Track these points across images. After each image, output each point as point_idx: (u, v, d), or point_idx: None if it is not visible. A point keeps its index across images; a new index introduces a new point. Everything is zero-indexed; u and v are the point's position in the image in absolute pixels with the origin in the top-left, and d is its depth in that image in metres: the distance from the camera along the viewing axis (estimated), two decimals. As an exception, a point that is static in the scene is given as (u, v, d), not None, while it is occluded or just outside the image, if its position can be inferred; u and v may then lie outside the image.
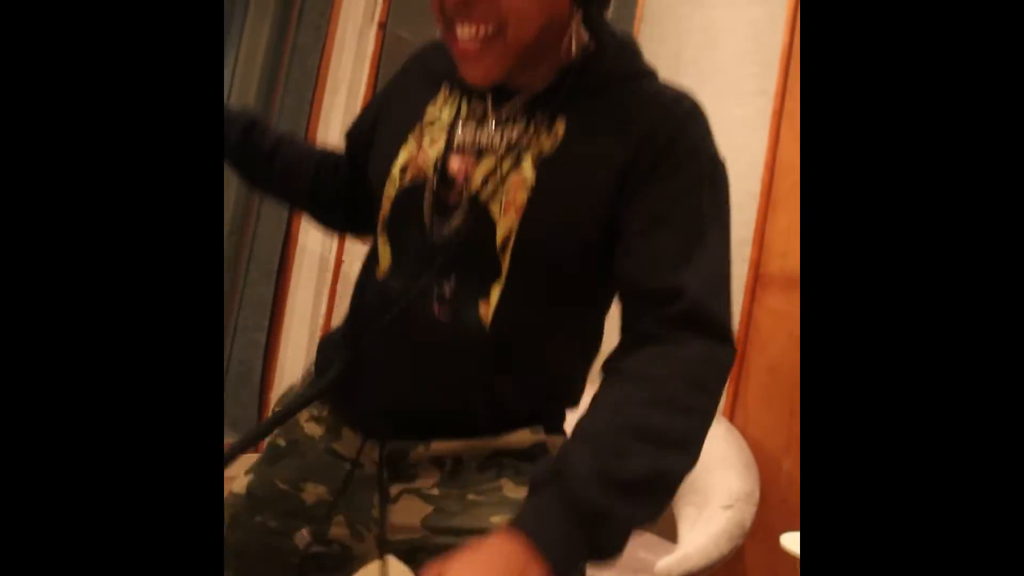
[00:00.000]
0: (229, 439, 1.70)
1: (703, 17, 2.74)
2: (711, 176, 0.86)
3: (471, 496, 0.87)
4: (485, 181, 0.86)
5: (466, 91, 0.91)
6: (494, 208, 0.84)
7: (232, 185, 1.99)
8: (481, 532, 0.77)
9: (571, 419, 0.90)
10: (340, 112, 1.95)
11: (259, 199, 1.97)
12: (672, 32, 2.72)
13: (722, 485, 2.21)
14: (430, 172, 0.88)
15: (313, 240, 1.94)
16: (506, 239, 0.84)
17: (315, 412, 0.97)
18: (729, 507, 2.14)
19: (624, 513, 0.73)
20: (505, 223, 0.84)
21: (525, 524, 0.72)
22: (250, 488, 0.98)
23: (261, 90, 2.02)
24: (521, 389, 0.88)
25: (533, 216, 0.83)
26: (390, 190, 0.90)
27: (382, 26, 2.03)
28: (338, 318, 1.98)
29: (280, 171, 1.05)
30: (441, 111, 0.92)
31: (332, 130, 1.95)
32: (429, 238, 0.87)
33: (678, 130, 0.83)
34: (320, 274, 1.96)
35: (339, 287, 1.97)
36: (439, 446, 0.88)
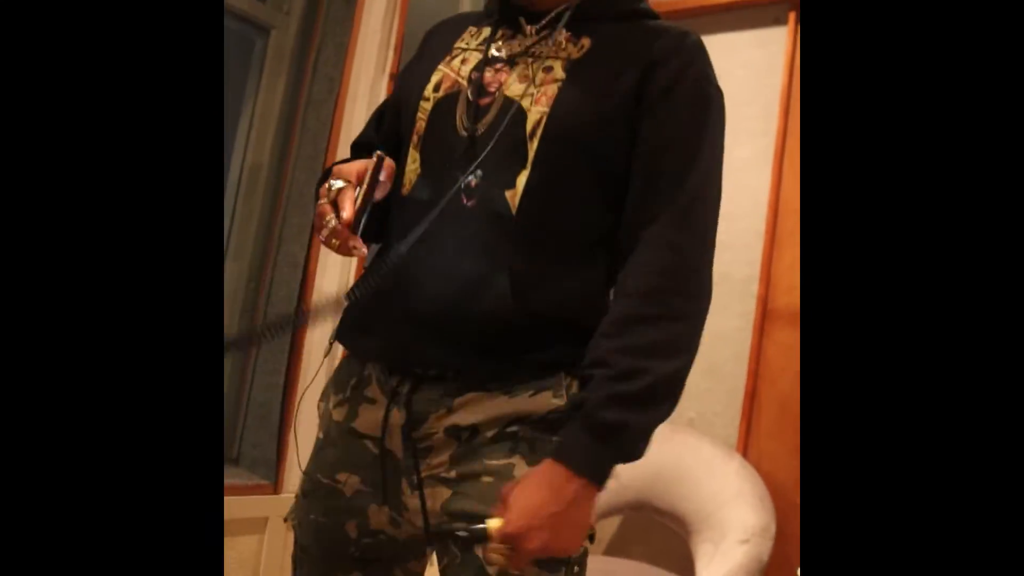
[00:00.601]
0: (249, 481, 1.72)
1: (704, 62, 2.82)
2: (716, 100, 0.99)
3: (484, 478, 0.92)
4: (518, 80, 0.96)
5: (495, 20, 1.03)
6: (525, 102, 0.95)
7: (251, 230, 2.05)
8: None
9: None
10: (354, 160, 2.03)
11: (276, 244, 2.02)
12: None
13: (737, 520, 2.21)
14: (464, 82, 0.99)
15: (329, 282, 1.99)
16: (536, 126, 0.93)
17: (341, 396, 1.01)
18: (745, 542, 2.15)
19: (639, 422, 0.88)
20: (536, 112, 0.94)
21: (560, 455, 0.88)
22: (303, 487, 1.03)
23: (277, 140, 2.10)
24: (547, 282, 0.94)
25: (562, 104, 0.93)
26: (425, 105, 1.00)
27: (393, 77, 2.10)
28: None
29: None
30: (470, 41, 1.04)
31: (346, 177, 2.01)
32: (461, 139, 0.96)
33: (688, 60, 0.96)
34: (335, 316, 2.01)
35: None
36: (460, 411, 0.93)
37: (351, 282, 1.99)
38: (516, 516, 0.86)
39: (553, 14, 0.99)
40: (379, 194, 0.92)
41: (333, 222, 0.89)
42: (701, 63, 0.97)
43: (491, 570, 0.89)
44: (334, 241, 0.90)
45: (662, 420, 0.91)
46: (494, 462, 0.91)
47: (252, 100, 2.11)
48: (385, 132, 1.10)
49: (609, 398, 0.87)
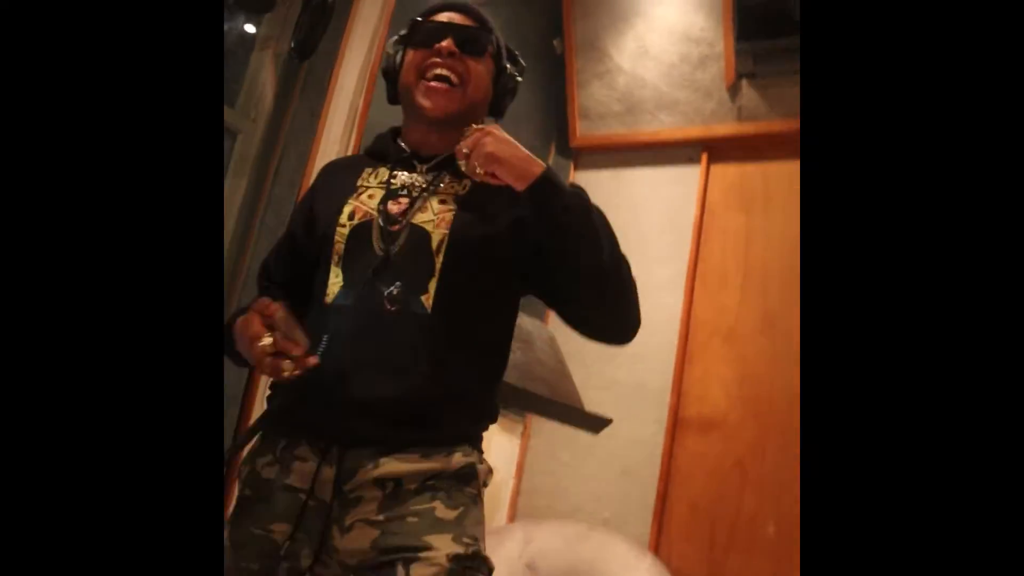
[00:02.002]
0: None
1: (628, 193, 3.12)
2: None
3: (410, 519, 1.06)
4: (419, 211, 1.18)
5: (390, 161, 1.26)
6: (428, 227, 1.17)
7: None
8: (418, 549, 1.04)
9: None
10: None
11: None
12: (601, 204, 3.09)
13: (648, 615, 2.33)
14: (375, 212, 1.19)
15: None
16: (440, 244, 1.15)
17: (269, 457, 1.14)
18: (654, 635, 2.26)
19: (582, 203, 1.13)
20: (438, 233, 1.16)
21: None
22: (231, 539, 1.12)
23: (236, 236, 2.25)
24: (459, 365, 1.14)
25: (458, 226, 1.16)
26: (342, 231, 1.19)
27: (348, 184, 2.30)
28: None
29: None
30: (370, 179, 1.25)
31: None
32: (378, 257, 1.15)
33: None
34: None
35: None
36: (386, 466, 1.08)
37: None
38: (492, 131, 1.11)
39: (440, 157, 1.23)
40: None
41: (288, 365, 1.02)
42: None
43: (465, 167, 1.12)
44: (296, 372, 1.03)
45: (593, 245, 1.11)
46: (418, 507, 1.07)
47: (214, 196, 2.27)
48: (283, 260, 1.30)
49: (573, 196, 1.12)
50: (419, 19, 1.28)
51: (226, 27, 2.35)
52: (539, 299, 1.24)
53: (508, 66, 1.30)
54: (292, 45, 1.93)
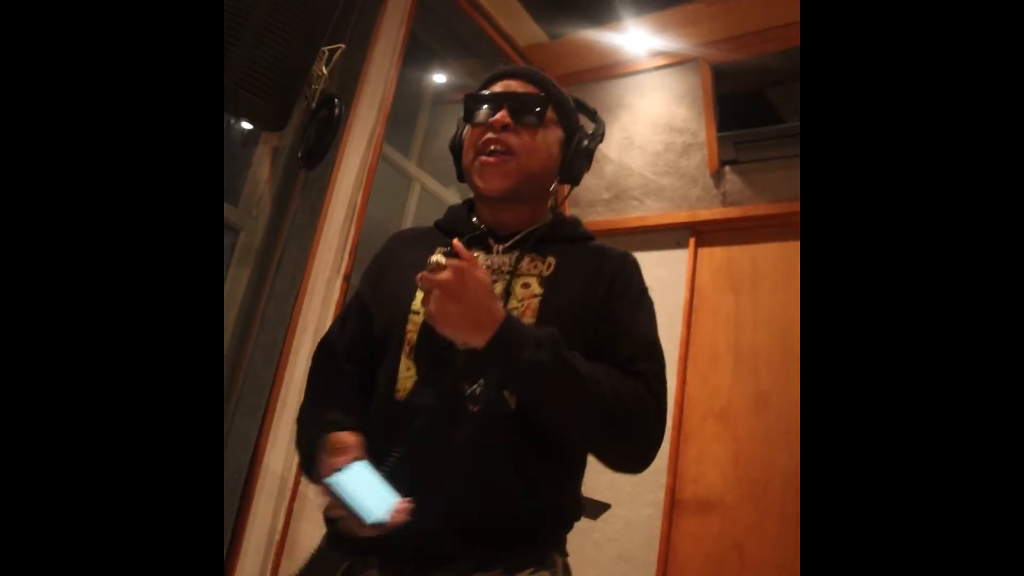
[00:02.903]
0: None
1: (617, 276, 3.19)
2: (646, 294, 1.20)
3: None
4: (500, 297, 1.07)
5: (467, 239, 1.14)
6: (513, 315, 1.03)
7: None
8: None
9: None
10: (307, 349, 2.23)
11: (231, 420, 2.18)
12: (591, 288, 3.17)
13: None
14: None
15: (276, 459, 2.13)
16: None
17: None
18: None
19: (554, 365, 0.97)
20: (524, 323, 1.03)
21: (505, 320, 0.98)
22: None
23: (238, 327, 2.30)
24: (547, 468, 1.05)
25: (544, 316, 1.06)
26: (415, 319, 1.09)
27: (346, 278, 2.37)
28: (295, 534, 2.12)
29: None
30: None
31: (299, 366, 2.21)
32: (459, 353, 1.03)
33: (630, 271, 1.18)
34: (280, 493, 2.13)
35: (295, 505, 2.14)
36: None
37: (293, 469, 2.13)
38: (450, 279, 0.95)
39: (519, 236, 1.15)
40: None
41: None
42: (637, 272, 1.20)
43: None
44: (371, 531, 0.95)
45: (559, 386, 0.98)
46: None
47: (217, 291, 2.34)
48: (351, 335, 1.19)
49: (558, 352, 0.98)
50: (475, 93, 1.20)
51: (228, 124, 2.45)
52: None
53: (582, 128, 1.22)
54: (299, 156, 2.01)
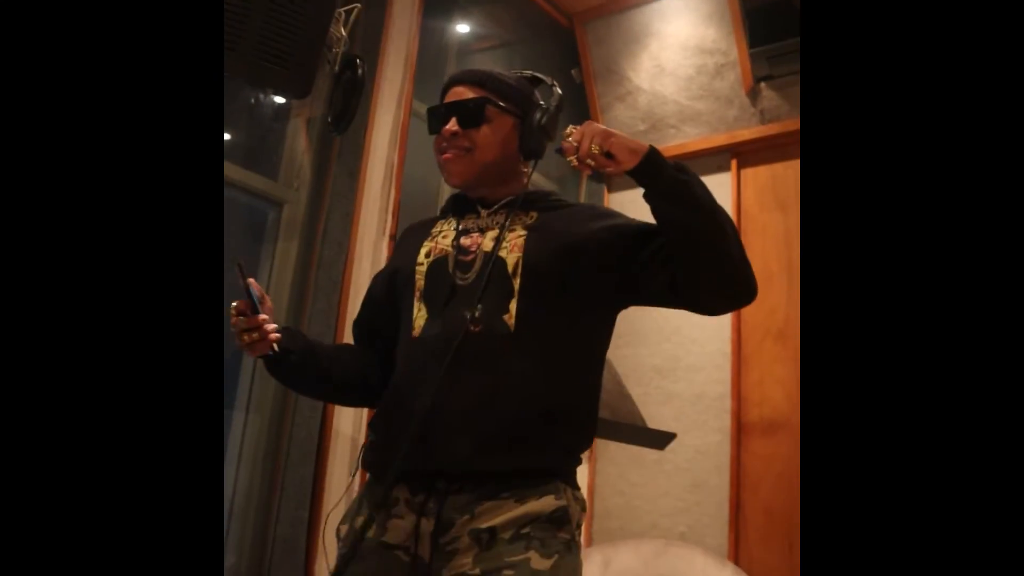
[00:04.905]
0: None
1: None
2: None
3: (506, 571, 1.09)
4: (489, 241, 1.26)
5: (458, 212, 1.36)
6: (502, 253, 1.24)
7: (270, 385, 2.27)
8: None
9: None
10: (362, 311, 2.26)
11: (294, 398, 2.24)
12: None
13: (736, 623, 2.34)
14: (449, 248, 1.29)
15: (344, 424, 2.19)
16: (515, 266, 1.22)
17: (366, 515, 1.19)
18: (745, 643, 2.27)
19: (691, 178, 1.16)
20: (512, 257, 1.23)
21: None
22: None
23: (293, 297, 2.35)
24: (548, 382, 1.18)
25: (531, 247, 1.24)
26: (420, 268, 1.29)
27: (392, 238, 2.39)
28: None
29: (327, 376, 1.35)
30: (443, 226, 1.36)
31: (355, 329, 2.24)
32: (458, 286, 1.24)
33: (603, 208, 1.36)
34: (352, 453, 2.19)
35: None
36: (481, 517, 1.12)
37: (365, 417, 2.19)
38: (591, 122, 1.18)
39: (503, 202, 1.33)
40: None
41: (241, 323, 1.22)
42: (600, 207, 1.37)
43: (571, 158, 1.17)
44: (252, 335, 1.21)
45: (701, 201, 1.15)
46: (513, 558, 1.10)
47: (268, 265, 2.38)
48: (372, 313, 1.41)
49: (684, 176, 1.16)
50: (433, 107, 1.36)
51: (259, 99, 2.47)
52: (643, 303, 1.28)
53: (539, 104, 1.34)
54: (329, 120, 2.02)
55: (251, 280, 1.24)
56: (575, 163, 1.18)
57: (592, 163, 1.16)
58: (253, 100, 2.45)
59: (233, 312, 1.22)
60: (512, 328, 1.19)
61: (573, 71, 3.33)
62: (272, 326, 1.24)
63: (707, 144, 3.09)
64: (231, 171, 2.29)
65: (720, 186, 3.06)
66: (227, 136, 2.42)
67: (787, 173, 2.95)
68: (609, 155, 1.15)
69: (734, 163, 3.06)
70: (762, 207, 2.98)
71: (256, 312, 1.22)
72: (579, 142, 1.17)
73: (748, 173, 3.05)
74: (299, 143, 2.49)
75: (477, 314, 1.19)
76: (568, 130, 1.20)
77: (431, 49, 2.75)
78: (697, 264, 1.16)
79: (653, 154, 1.15)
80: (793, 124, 2.89)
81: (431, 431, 1.15)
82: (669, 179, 1.14)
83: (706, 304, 1.23)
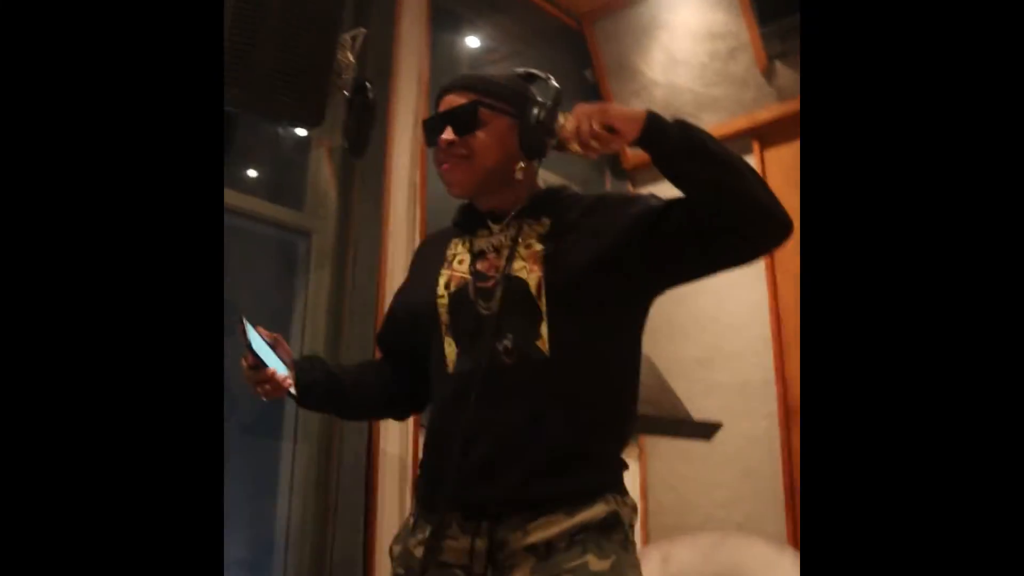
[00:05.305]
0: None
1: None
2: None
3: None
4: (507, 260, 1.22)
5: (470, 228, 1.31)
6: (521, 273, 1.20)
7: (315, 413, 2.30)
8: None
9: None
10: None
11: (340, 423, 2.27)
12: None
13: (801, 610, 2.31)
14: (467, 275, 1.24)
15: (392, 444, 2.22)
16: (538, 286, 1.18)
17: (420, 536, 1.20)
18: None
19: (700, 134, 1.12)
20: (533, 276, 1.19)
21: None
22: None
23: (329, 324, 2.39)
24: (590, 402, 1.17)
25: (550, 264, 1.19)
26: (443, 301, 1.25)
27: (421, 256, 2.41)
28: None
29: (355, 398, 1.37)
30: (457, 248, 1.30)
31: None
32: (483, 316, 1.20)
33: (617, 195, 1.32)
34: (402, 472, 2.22)
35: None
36: (535, 533, 1.12)
37: (411, 435, 2.21)
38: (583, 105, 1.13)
39: (513, 213, 1.28)
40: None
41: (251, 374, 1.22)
42: (621, 195, 1.32)
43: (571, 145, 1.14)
44: (265, 387, 1.21)
45: (714, 158, 1.12)
46: (571, 563, 1.11)
47: (302, 294, 2.42)
48: (393, 330, 1.41)
49: (690, 130, 1.12)
50: (427, 118, 1.33)
51: (280, 133, 2.52)
52: (679, 282, 1.26)
53: (537, 102, 1.26)
54: (346, 146, 2.06)
55: (259, 329, 1.24)
56: (578, 149, 1.14)
57: (596, 144, 1.12)
58: (273, 134, 2.50)
59: (244, 367, 1.23)
60: (547, 353, 1.16)
61: (586, 72, 3.33)
62: (283, 375, 1.23)
63: (727, 130, 3.06)
64: (257, 206, 2.34)
65: (745, 171, 3.03)
66: (251, 172, 2.47)
67: (811, 151, 2.91)
68: (611, 130, 1.11)
69: (756, 146, 3.03)
70: (791, 187, 2.89)
71: (262, 365, 1.21)
72: (576, 126, 1.13)
73: (772, 154, 3.02)
74: (323, 172, 2.53)
75: (509, 345, 1.17)
76: (560, 120, 1.17)
77: (443, 66, 2.78)
78: (722, 213, 1.13)
79: (653, 117, 1.11)
80: (812, 101, 2.86)
81: (477, 466, 1.15)
82: (676, 138, 1.11)
83: (742, 251, 1.19)
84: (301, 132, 2.53)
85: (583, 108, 1.13)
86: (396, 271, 2.35)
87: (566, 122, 1.15)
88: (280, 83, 1.71)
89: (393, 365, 1.40)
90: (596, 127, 1.10)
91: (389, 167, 2.43)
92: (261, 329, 1.25)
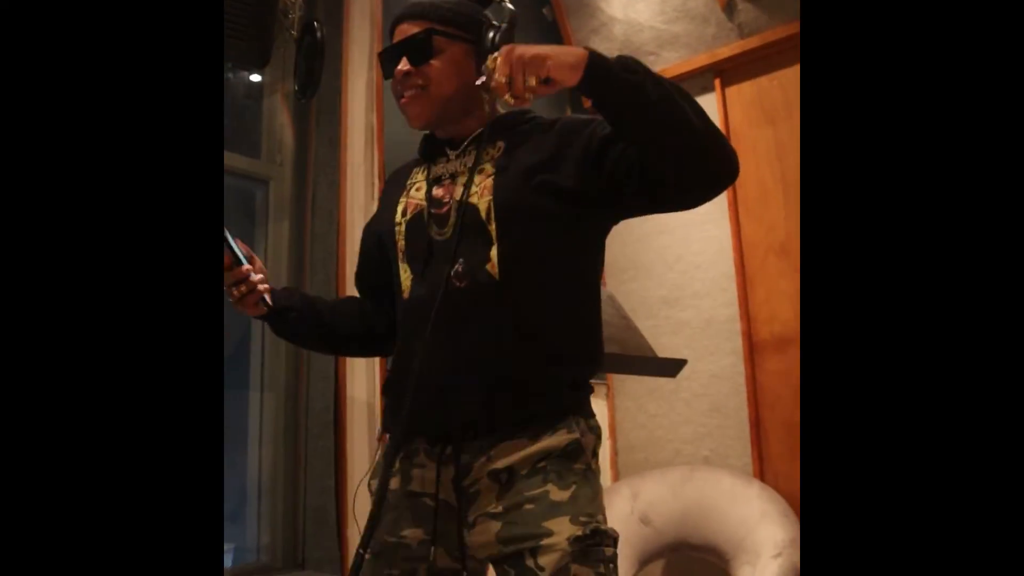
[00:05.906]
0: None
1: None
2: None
3: (527, 506, 1.12)
4: (464, 187, 1.22)
5: (430, 156, 1.32)
6: (473, 199, 1.20)
7: (281, 358, 2.28)
8: (540, 536, 1.09)
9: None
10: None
11: (307, 366, 2.25)
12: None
13: (768, 538, 2.37)
14: (423, 202, 1.26)
15: (359, 390, 2.20)
16: (488, 211, 1.18)
17: (392, 469, 1.21)
18: (778, 555, 2.31)
19: (643, 72, 1.06)
20: (483, 202, 1.19)
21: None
22: (372, 550, 1.19)
23: (291, 272, 2.35)
24: (543, 324, 1.17)
25: (500, 189, 1.19)
26: (399, 228, 1.26)
27: (381, 201, 2.38)
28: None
29: (333, 323, 1.38)
30: (416, 176, 1.32)
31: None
32: (435, 242, 1.21)
33: (574, 119, 1.26)
34: (370, 418, 2.21)
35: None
36: (498, 458, 1.14)
37: (377, 381, 2.20)
38: (514, 46, 1.06)
39: (467, 142, 1.28)
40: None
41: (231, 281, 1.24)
42: (572, 118, 1.27)
43: (500, 100, 1.08)
44: (241, 288, 1.24)
45: (655, 97, 1.05)
46: (532, 492, 1.12)
47: (262, 244, 2.37)
48: (367, 267, 1.40)
49: (635, 68, 1.06)
50: (382, 49, 1.31)
51: (233, 79, 2.44)
52: (627, 216, 1.24)
53: (492, 26, 1.26)
54: (295, 88, 2.00)
55: (238, 240, 1.25)
56: (511, 101, 1.06)
57: (531, 97, 1.05)
58: (225, 81, 2.42)
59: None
60: (497, 277, 1.17)
61: (544, 9, 3.26)
62: (259, 277, 1.25)
63: (688, 67, 3.04)
64: (212, 154, 2.27)
65: (707, 107, 2.96)
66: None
67: (772, 86, 2.90)
68: (548, 81, 1.05)
69: (717, 82, 3.01)
70: (750, 123, 2.94)
71: (240, 264, 1.23)
72: (509, 77, 1.05)
73: (733, 91, 3.00)
74: (278, 119, 2.47)
75: (460, 269, 1.17)
76: (489, 63, 1.07)
77: (397, 5, 2.70)
78: (665, 158, 1.09)
79: (595, 60, 1.05)
80: (773, 35, 2.84)
81: (436, 390, 1.16)
82: (619, 83, 1.05)
83: (688, 194, 1.14)
84: (255, 78, 2.46)
85: (517, 58, 1.04)
86: (356, 217, 2.31)
87: (497, 71, 1.05)
88: (227, 24, 1.65)
89: (372, 302, 1.40)
90: (532, 82, 1.05)
91: (345, 110, 2.37)
92: (239, 241, 1.26)
